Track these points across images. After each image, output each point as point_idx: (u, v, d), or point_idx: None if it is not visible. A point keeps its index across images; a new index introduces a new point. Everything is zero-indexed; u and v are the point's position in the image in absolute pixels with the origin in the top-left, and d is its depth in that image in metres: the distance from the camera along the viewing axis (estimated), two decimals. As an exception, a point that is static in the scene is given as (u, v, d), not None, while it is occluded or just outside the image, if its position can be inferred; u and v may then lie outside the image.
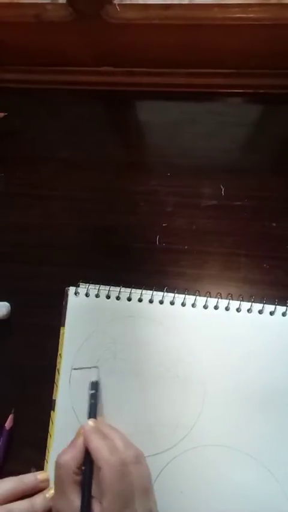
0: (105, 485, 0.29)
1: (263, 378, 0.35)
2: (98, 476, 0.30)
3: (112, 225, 0.41)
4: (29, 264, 0.41)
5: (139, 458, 0.32)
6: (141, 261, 0.40)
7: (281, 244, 0.39)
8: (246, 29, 0.37)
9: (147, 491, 0.31)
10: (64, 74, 0.42)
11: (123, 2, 0.35)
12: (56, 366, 0.38)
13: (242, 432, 0.35)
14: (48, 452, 0.37)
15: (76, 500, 0.29)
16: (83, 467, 0.31)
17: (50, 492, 0.34)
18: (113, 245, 0.41)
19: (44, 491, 0.34)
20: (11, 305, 0.40)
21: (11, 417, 0.37)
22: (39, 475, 0.35)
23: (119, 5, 0.35)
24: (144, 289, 0.38)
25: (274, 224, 0.40)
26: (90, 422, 0.33)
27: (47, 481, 0.35)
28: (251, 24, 0.36)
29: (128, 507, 0.29)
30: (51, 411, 0.37)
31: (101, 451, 0.30)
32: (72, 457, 0.31)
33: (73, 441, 0.32)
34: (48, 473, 0.35)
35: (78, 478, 0.30)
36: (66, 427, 0.36)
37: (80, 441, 0.32)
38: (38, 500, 0.33)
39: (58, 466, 0.31)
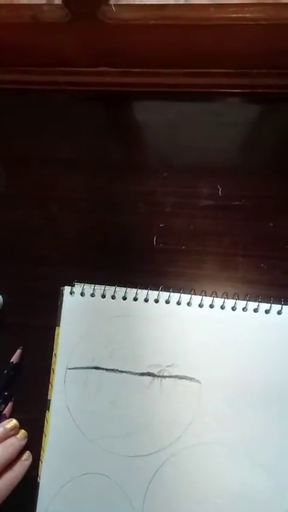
0: None
1: (258, 376, 0.35)
2: None
3: (110, 225, 0.41)
4: (27, 264, 0.41)
5: None
6: (139, 262, 0.40)
7: (279, 244, 0.39)
8: (243, 29, 0.37)
9: None
10: (61, 75, 0.43)
11: (119, 3, 0.35)
12: (51, 366, 0.38)
13: (237, 430, 0.35)
14: (43, 451, 0.37)
15: None
16: None
17: (26, 455, 0.36)
18: (111, 245, 0.41)
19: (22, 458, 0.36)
20: (8, 305, 0.40)
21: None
22: (7, 425, 0.36)
23: (115, 5, 0.35)
24: (140, 288, 0.38)
25: (272, 224, 0.39)
26: None
27: (16, 427, 0.36)
28: (247, 24, 0.36)
29: None
30: (46, 411, 0.37)
31: None
32: None
33: None
34: (16, 421, 0.37)
35: None
36: (61, 427, 0.36)
37: None
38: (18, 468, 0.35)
39: None
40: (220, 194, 0.40)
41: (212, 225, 0.40)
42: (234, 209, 0.40)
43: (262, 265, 0.38)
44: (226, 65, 0.41)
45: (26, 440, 0.37)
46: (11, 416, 0.38)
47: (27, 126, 0.44)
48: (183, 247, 0.40)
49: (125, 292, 0.38)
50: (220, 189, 0.40)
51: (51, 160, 0.43)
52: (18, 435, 0.36)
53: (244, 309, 0.36)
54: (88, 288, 0.38)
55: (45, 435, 0.37)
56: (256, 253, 0.39)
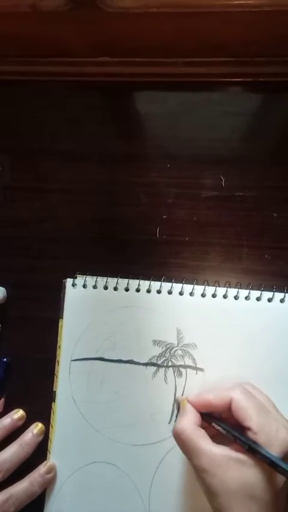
0: (244, 407, 0.30)
1: (261, 364, 0.36)
2: (230, 413, 0.31)
3: (112, 217, 0.41)
4: (29, 257, 0.41)
5: (251, 384, 0.33)
6: (142, 253, 0.40)
7: (283, 234, 0.39)
8: (246, 16, 0.36)
9: (275, 406, 0.32)
10: (61, 65, 0.42)
11: (119, -10, 0.35)
12: (56, 358, 0.38)
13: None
14: (51, 442, 0.37)
15: (214, 448, 0.29)
16: (212, 420, 0.32)
17: (48, 465, 0.36)
18: (114, 237, 0.41)
19: (41, 470, 0.36)
20: (11, 298, 0.40)
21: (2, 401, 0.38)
22: (15, 415, 0.37)
23: (115, -7, 0.34)
24: (142, 279, 0.38)
25: (275, 214, 0.39)
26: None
27: (23, 418, 0.37)
28: (250, 11, 0.35)
29: (270, 417, 0.30)
30: (52, 403, 0.37)
31: (222, 392, 0.32)
32: (187, 420, 0.31)
33: (180, 413, 0.33)
34: (22, 411, 0.38)
35: (202, 432, 0.31)
36: (67, 417, 0.37)
37: (188, 407, 0.32)
38: (37, 476, 0.35)
39: (178, 433, 0.31)
40: (223, 185, 0.40)
41: (215, 215, 0.40)
42: (238, 199, 0.40)
43: (266, 255, 0.38)
44: (228, 53, 0.40)
45: (43, 435, 0.37)
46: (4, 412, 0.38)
47: (27, 117, 0.44)
48: (187, 239, 0.40)
49: (127, 283, 0.38)
50: (223, 180, 0.40)
51: (51, 152, 0.43)
52: (35, 431, 0.37)
53: (247, 297, 0.37)
54: (90, 280, 0.38)
55: (52, 426, 0.37)
56: (260, 243, 0.39)
